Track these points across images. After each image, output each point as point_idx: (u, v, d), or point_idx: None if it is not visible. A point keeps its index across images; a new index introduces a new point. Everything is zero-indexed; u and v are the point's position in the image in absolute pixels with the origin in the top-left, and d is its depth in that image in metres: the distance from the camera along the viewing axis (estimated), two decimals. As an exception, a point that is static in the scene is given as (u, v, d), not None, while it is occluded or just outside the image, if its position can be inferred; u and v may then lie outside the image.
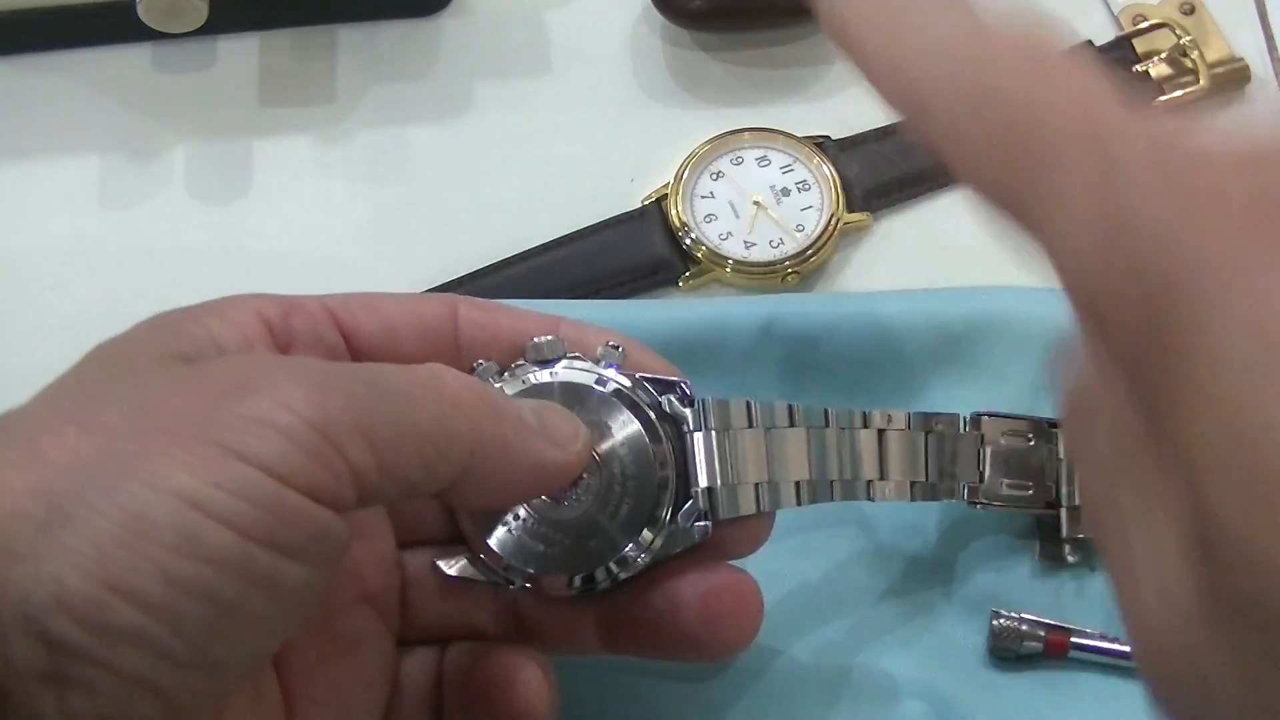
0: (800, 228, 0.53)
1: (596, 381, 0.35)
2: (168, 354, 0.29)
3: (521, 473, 0.31)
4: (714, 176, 0.55)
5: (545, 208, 0.55)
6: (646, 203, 0.55)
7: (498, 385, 0.35)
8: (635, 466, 0.34)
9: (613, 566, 0.35)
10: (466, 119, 0.58)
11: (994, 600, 0.45)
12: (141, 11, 0.53)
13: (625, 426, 0.35)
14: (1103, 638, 0.45)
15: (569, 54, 0.59)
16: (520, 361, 0.35)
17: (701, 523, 0.35)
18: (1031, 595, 0.46)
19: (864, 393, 0.48)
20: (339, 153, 0.57)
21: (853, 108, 0.57)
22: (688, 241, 0.53)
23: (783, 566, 0.47)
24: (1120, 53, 0.57)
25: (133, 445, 0.25)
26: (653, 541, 0.35)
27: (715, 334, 0.47)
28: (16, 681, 0.23)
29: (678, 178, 0.54)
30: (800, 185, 0.54)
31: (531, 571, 0.35)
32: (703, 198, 0.54)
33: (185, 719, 0.25)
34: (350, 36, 0.59)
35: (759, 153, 0.55)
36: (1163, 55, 0.56)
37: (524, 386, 0.35)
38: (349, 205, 0.56)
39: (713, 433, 0.35)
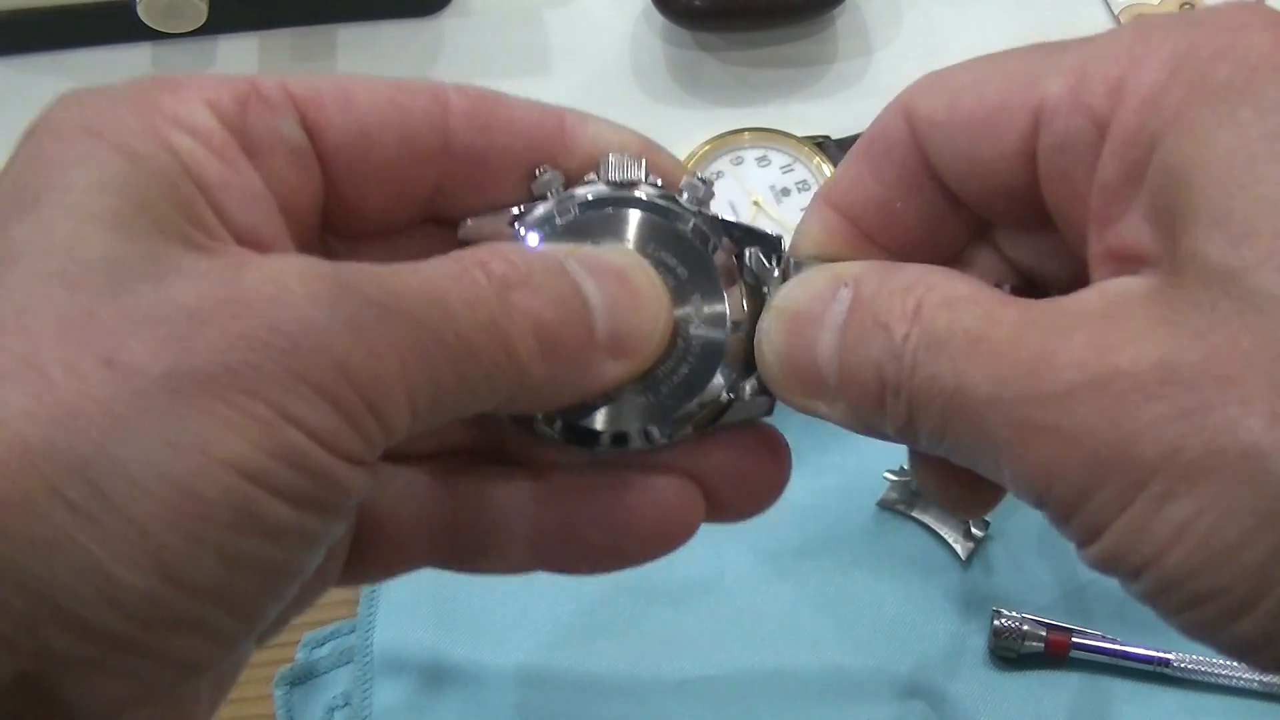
0: (800, 228, 0.53)
1: (679, 217, 0.29)
2: (169, 221, 0.24)
3: (567, 397, 0.27)
4: (714, 176, 0.55)
5: (545, 208, 0.55)
6: (646, 203, 0.55)
7: (561, 201, 0.29)
8: (705, 324, 0.29)
9: (652, 430, 0.29)
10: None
11: (994, 600, 0.46)
12: (141, 11, 0.53)
13: (701, 278, 0.29)
14: (1103, 638, 0.45)
15: (569, 54, 0.59)
16: (591, 176, 0.30)
17: (765, 396, 0.30)
18: (1037, 595, 0.46)
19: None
20: (339, 153, 0.57)
21: (853, 108, 0.57)
22: (688, 241, 0.53)
23: (784, 566, 0.47)
24: (1120, 53, 0.57)
25: (167, 396, 0.21)
26: (706, 410, 0.29)
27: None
28: (52, 671, 0.21)
29: (678, 178, 0.54)
30: (800, 185, 0.54)
31: (568, 419, 0.29)
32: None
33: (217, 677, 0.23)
34: (350, 36, 0.59)
35: (759, 153, 0.55)
36: (1163, 55, 0.56)
37: (594, 211, 0.29)
38: (349, 205, 0.56)
39: None
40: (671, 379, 0.29)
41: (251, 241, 0.25)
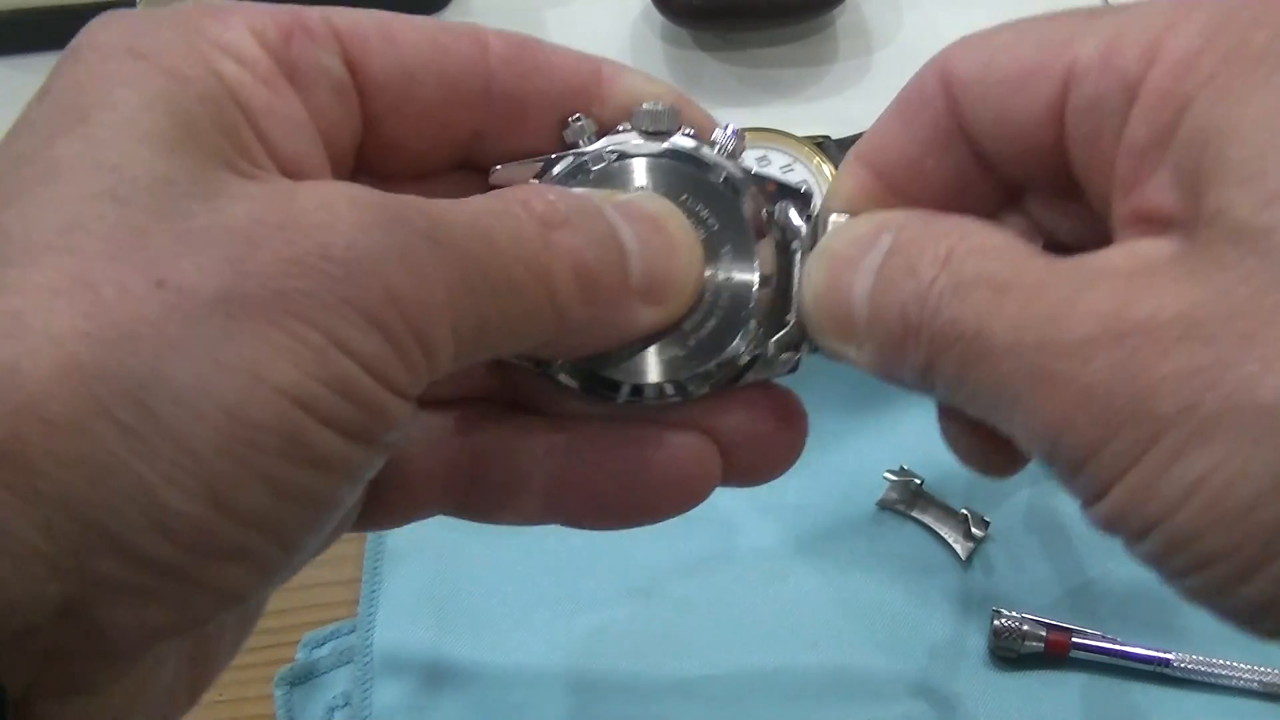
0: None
1: (711, 169, 0.29)
2: (217, 144, 0.24)
3: (601, 342, 0.28)
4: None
5: (545, 208, 0.55)
6: (646, 203, 0.55)
7: (595, 150, 0.29)
8: (734, 278, 0.29)
9: (678, 383, 0.29)
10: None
11: (995, 599, 0.46)
12: (141, 11, 0.53)
13: (731, 230, 0.29)
14: (1103, 638, 0.45)
15: (569, 54, 0.59)
16: (625, 125, 0.29)
17: (790, 353, 0.29)
18: (1036, 595, 0.46)
19: (867, 394, 0.48)
20: (339, 153, 0.57)
21: (853, 108, 0.57)
22: (688, 241, 0.53)
23: (784, 566, 0.47)
24: (1120, 53, 0.57)
25: (220, 319, 0.21)
26: (730, 365, 0.29)
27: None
28: (96, 596, 0.21)
29: (678, 178, 0.54)
30: (800, 185, 0.54)
31: (593, 369, 0.29)
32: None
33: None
34: (350, 36, 0.59)
35: (759, 153, 0.55)
36: (1163, 55, 0.56)
37: (628, 160, 0.29)
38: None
39: None
40: (699, 332, 0.29)
41: (294, 170, 0.25)
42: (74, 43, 0.24)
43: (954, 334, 0.24)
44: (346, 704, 0.45)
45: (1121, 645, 0.44)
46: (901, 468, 0.48)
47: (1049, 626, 0.45)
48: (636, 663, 0.45)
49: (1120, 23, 0.25)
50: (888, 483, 0.48)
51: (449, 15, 0.60)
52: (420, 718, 0.45)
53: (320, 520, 0.23)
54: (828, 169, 0.54)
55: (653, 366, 0.29)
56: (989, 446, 0.28)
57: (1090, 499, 0.23)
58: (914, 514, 0.48)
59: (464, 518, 0.31)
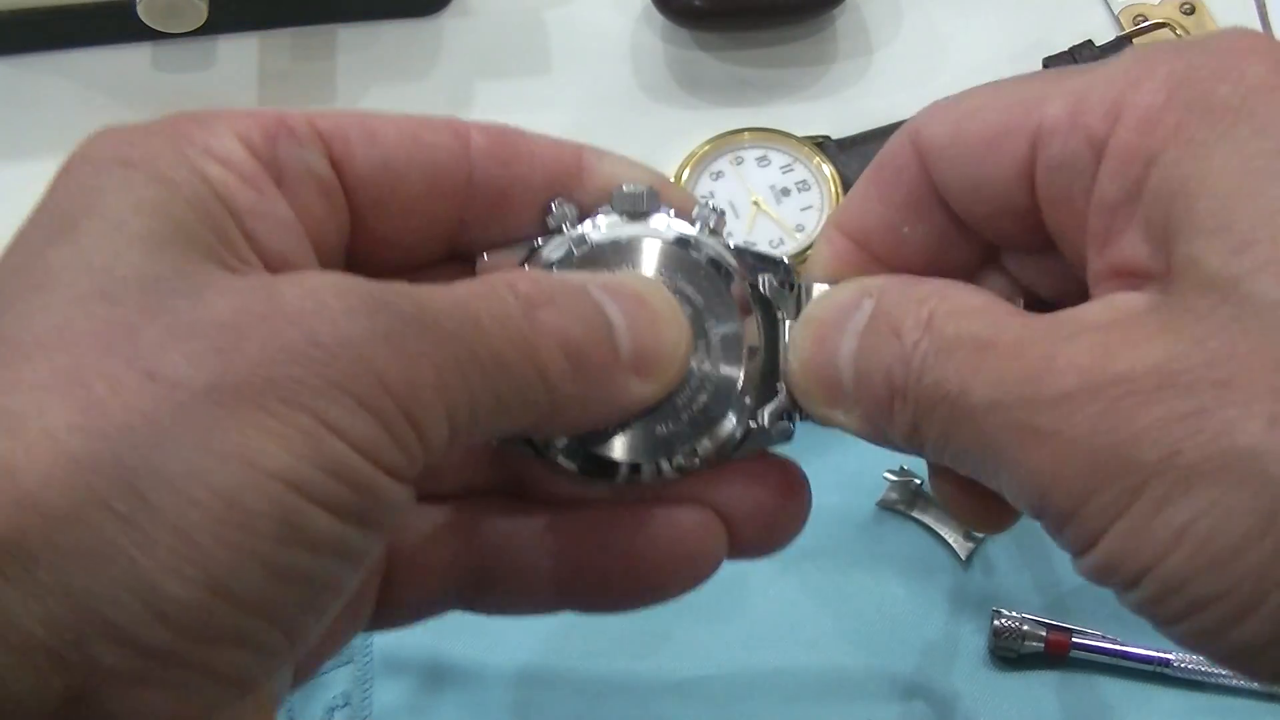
0: (800, 228, 0.53)
1: (692, 246, 0.30)
2: (204, 242, 0.24)
3: (595, 418, 0.28)
4: (714, 176, 0.55)
5: (545, 208, 0.55)
6: (646, 203, 0.55)
7: (577, 233, 0.30)
8: (722, 352, 0.29)
9: (673, 460, 0.29)
10: (466, 119, 0.58)
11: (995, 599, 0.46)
12: (141, 11, 0.53)
13: (717, 305, 0.30)
14: (1103, 638, 0.45)
15: (569, 54, 0.59)
16: (605, 207, 0.30)
17: (784, 423, 0.30)
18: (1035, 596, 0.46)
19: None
20: (339, 153, 0.57)
21: (853, 108, 0.57)
22: (688, 241, 0.53)
23: (784, 566, 0.47)
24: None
25: (211, 407, 0.21)
26: (726, 438, 0.29)
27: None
28: (100, 685, 0.21)
29: (678, 178, 0.54)
30: (800, 185, 0.54)
31: (588, 450, 0.29)
32: (703, 197, 0.54)
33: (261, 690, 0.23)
34: (350, 36, 0.59)
35: (759, 153, 0.55)
36: (1163, 55, 0.56)
37: (610, 241, 0.30)
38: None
39: None
40: (690, 408, 0.29)
41: (281, 268, 0.26)
42: (68, 158, 0.25)
43: (938, 395, 0.25)
44: (346, 704, 0.45)
45: (1121, 645, 0.44)
46: (901, 468, 0.48)
47: (1049, 626, 0.45)
48: (636, 663, 0.45)
49: (1085, 82, 0.25)
50: (888, 483, 0.48)
51: (449, 16, 0.60)
52: (420, 718, 0.45)
53: (320, 604, 0.23)
54: (827, 169, 0.54)
55: (648, 443, 0.29)
56: (981, 503, 0.28)
57: (1080, 550, 0.23)
58: (914, 514, 0.48)
59: (477, 611, 0.31)
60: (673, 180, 0.54)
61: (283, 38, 0.59)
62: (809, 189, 0.54)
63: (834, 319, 0.28)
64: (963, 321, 0.25)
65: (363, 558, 0.24)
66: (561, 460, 0.29)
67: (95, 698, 0.21)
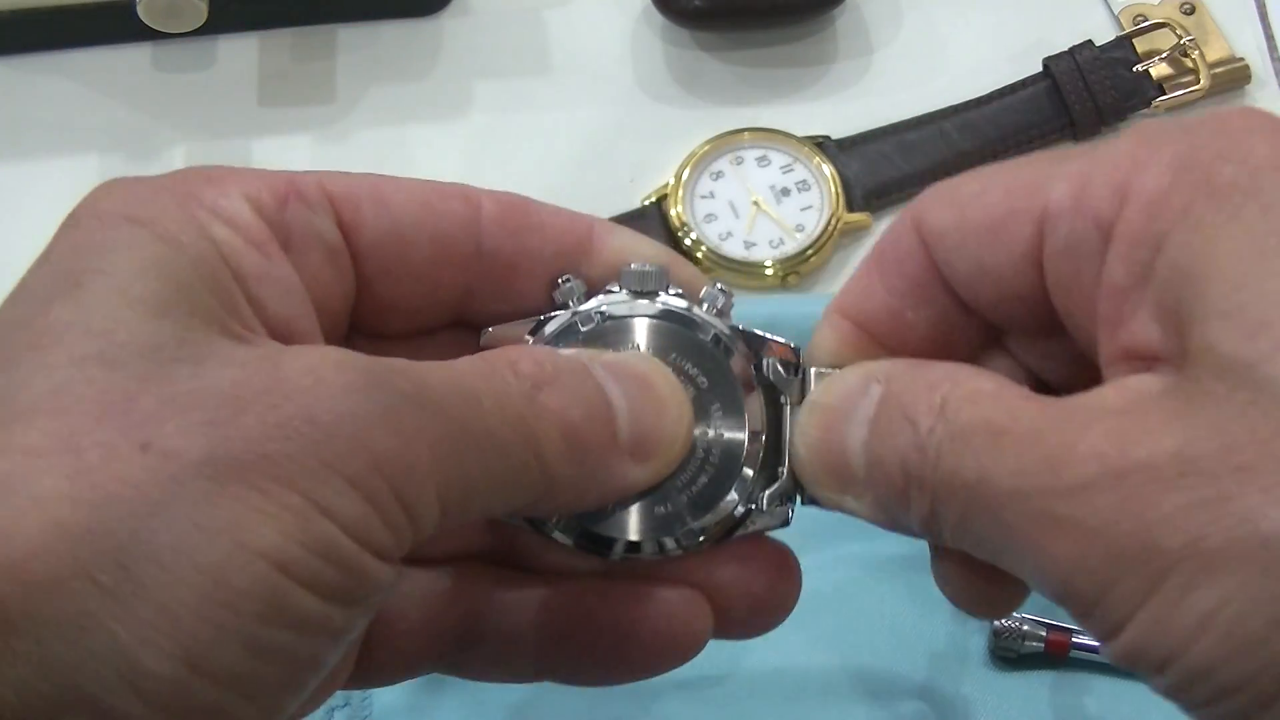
0: (800, 228, 0.53)
1: (699, 328, 0.30)
2: (208, 308, 0.24)
3: (591, 500, 0.28)
4: (714, 176, 0.55)
5: (545, 208, 0.55)
6: (646, 202, 0.55)
7: (584, 310, 0.30)
8: (724, 434, 0.30)
9: (668, 540, 0.30)
10: (466, 119, 0.58)
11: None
12: (141, 11, 0.53)
13: (720, 387, 0.30)
14: (1103, 638, 0.45)
15: (569, 54, 0.59)
16: (613, 286, 0.30)
17: (783, 507, 0.30)
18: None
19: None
20: (338, 152, 0.57)
21: (853, 108, 0.57)
22: (688, 241, 0.53)
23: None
24: (1120, 53, 0.57)
25: (203, 482, 0.21)
26: (726, 520, 0.30)
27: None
28: None
29: (678, 178, 0.54)
30: (800, 185, 0.54)
31: (585, 526, 0.29)
32: (703, 198, 0.54)
33: None
34: (350, 36, 0.59)
35: (759, 153, 0.55)
36: (1163, 55, 0.56)
37: (616, 319, 0.30)
38: (349, 205, 0.56)
39: None
40: (690, 489, 0.29)
41: (284, 334, 0.26)
42: (75, 209, 0.25)
43: (956, 483, 0.25)
44: (346, 704, 0.45)
45: (1121, 645, 0.44)
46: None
47: (1049, 626, 0.45)
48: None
49: (1089, 164, 0.25)
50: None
51: (449, 16, 0.60)
52: (420, 718, 0.45)
53: (300, 680, 0.23)
54: (828, 169, 0.54)
55: (647, 523, 0.29)
56: (985, 590, 0.29)
57: (1105, 637, 0.23)
58: (914, 514, 0.48)
59: (456, 675, 0.31)
60: (674, 182, 0.54)
61: (283, 38, 0.59)
62: (809, 189, 0.54)
63: (841, 405, 0.28)
64: (977, 407, 0.25)
65: (345, 635, 0.24)
66: (557, 535, 0.30)
67: None
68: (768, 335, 0.31)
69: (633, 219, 0.54)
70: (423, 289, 0.29)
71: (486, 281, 0.29)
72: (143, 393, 0.22)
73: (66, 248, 0.25)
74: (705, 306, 0.30)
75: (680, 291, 0.30)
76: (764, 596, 0.30)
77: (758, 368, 0.30)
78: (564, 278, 0.30)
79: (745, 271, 0.52)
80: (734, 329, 0.30)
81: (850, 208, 0.54)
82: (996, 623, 0.45)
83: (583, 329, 0.30)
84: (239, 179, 0.27)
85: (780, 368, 0.30)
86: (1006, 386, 0.25)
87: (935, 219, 0.28)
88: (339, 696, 0.46)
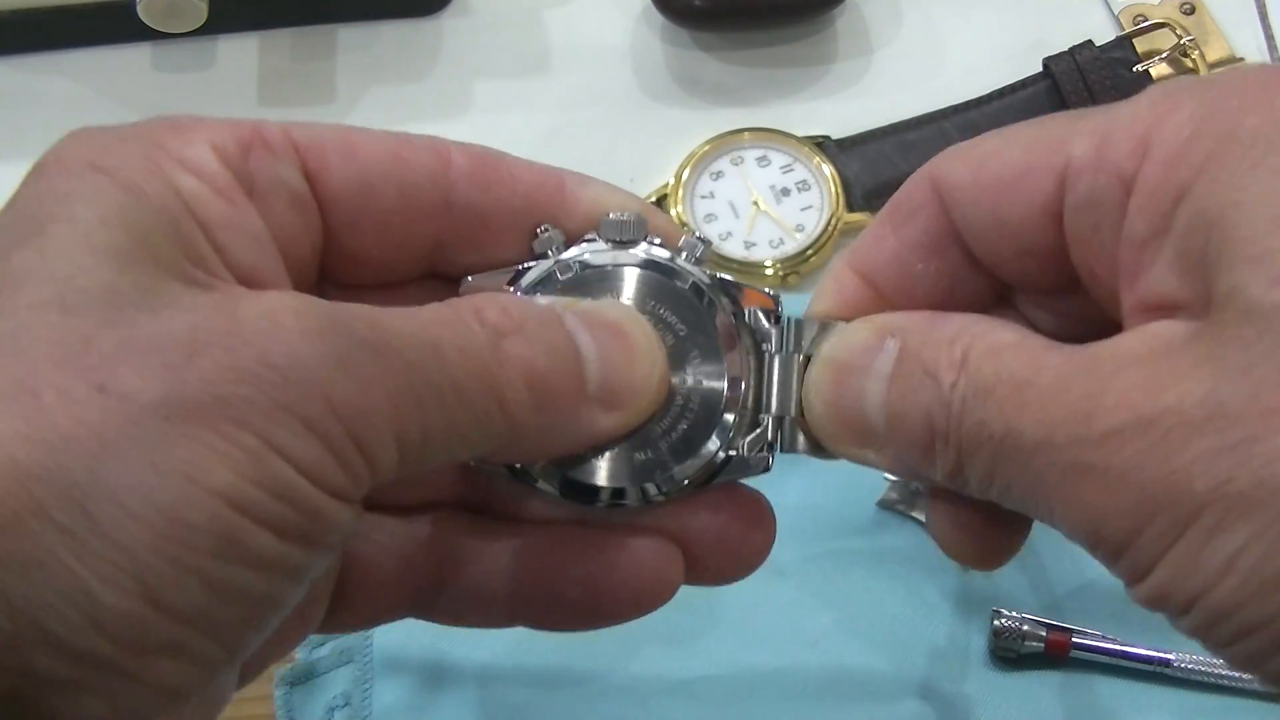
0: (800, 228, 0.53)
1: (678, 275, 0.30)
2: (170, 256, 0.24)
3: (558, 448, 0.28)
4: (714, 176, 0.55)
5: (545, 208, 0.55)
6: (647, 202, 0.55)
7: (563, 259, 0.30)
8: (704, 382, 0.30)
9: (650, 487, 0.30)
10: (466, 119, 0.58)
11: (995, 600, 0.46)
12: (141, 11, 0.53)
13: (700, 335, 0.30)
14: (1103, 638, 0.45)
15: (569, 54, 0.59)
16: (591, 235, 0.30)
17: (763, 454, 0.30)
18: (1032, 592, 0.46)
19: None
20: (339, 153, 0.57)
21: (853, 108, 0.57)
22: (688, 241, 0.53)
23: (784, 566, 0.47)
24: (1120, 53, 0.57)
25: (159, 422, 0.22)
26: (707, 465, 0.30)
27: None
28: (36, 690, 0.21)
29: (678, 178, 0.54)
30: (800, 185, 0.54)
31: (566, 474, 0.30)
32: (703, 198, 0.54)
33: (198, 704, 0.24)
34: (350, 36, 0.59)
35: (759, 153, 0.55)
36: (1163, 55, 0.56)
37: (595, 268, 0.30)
38: (349, 205, 0.56)
39: (796, 356, 0.31)
40: (670, 436, 0.30)
41: (251, 281, 0.26)
42: (41, 158, 0.26)
43: (983, 436, 0.25)
44: (346, 704, 0.45)
45: (1121, 645, 0.44)
46: (901, 468, 0.48)
47: (1049, 626, 0.45)
48: (636, 662, 0.45)
49: (1110, 120, 0.26)
50: (888, 483, 0.48)
51: (449, 16, 0.60)
52: (420, 718, 0.45)
53: (260, 618, 0.23)
54: (828, 169, 0.54)
55: (627, 469, 0.29)
56: (977, 542, 0.29)
57: (1133, 579, 0.24)
58: (914, 514, 0.48)
59: (429, 620, 0.31)
60: (675, 182, 0.54)
61: (283, 38, 0.59)
62: (809, 189, 0.54)
63: (855, 360, 0.28)
64: (999, 360, 0.25)
65: (305, 575, 0.24)
66: (541, 483, 0.30)
67: (30, 701, 0.21)
68: (746, 285, 0.31)
69: (633, 219, 0.54)
70: (392, 240, 0.29)
71: (458, 233, 0.30)
72: (100, 337, 0.22)
73: (32, 195, 0.25)
74: (685, 255, 0.30)
75: (659, 240, 0.30)
76: (737, 544, 0.30)
77: (737, 316, 0.30)
78: (542, 228, 0.30)
79: (745, 271, 0.52)
80: (713, 277, 0.30)
81: (850, 208, 0.54)
82: (996, 623, 0.45)
83: (561, 278, 0.30)
84: (204, 128, 0.27)
85: (762, 316, 0.30)
86: (1028, 337, 0.26)
87: (952, 173, 0.28)
88: (339, 696, 0.46)
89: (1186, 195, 0.24)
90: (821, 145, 0.55)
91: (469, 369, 0.25)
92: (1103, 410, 0.23)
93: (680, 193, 0.54)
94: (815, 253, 0.53)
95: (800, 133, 0.55)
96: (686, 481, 0.30)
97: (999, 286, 0.29)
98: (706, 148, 0.55)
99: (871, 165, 0.55)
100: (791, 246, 0.53)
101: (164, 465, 0.21)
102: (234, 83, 0.58)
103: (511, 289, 0.30)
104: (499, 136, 0.57)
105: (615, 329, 0.28)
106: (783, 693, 0.45)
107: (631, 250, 0.30)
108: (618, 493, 0.30)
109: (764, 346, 0.30)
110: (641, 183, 0.55)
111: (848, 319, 0.29)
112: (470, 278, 0.30)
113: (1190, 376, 0.23)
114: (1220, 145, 0.23)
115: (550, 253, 0.30)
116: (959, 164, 0.28)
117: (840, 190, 0.54)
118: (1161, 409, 0.23)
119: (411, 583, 0.30)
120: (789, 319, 0.30)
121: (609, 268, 0.30)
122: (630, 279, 0.30)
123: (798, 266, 0.53)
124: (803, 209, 0.54)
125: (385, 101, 0.58)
